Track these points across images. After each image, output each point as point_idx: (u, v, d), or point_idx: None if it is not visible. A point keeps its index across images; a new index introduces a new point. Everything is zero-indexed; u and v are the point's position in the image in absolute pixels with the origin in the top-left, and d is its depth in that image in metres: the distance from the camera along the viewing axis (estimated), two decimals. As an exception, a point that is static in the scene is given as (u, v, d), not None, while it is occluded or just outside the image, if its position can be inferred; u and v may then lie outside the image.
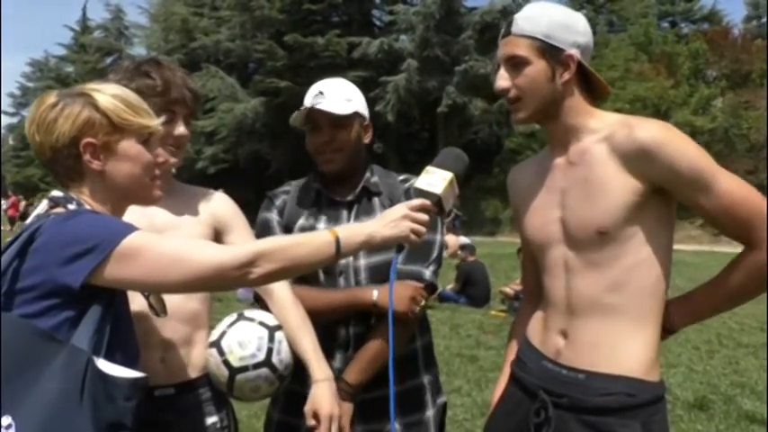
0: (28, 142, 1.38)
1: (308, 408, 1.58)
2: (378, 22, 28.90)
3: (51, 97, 1.29)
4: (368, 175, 1.81)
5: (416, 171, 1.48)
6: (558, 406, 1.45)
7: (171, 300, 1.55)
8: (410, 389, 1.77)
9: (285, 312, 1.62)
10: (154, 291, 1.40)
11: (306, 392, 1.60)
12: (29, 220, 1.26)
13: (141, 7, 35.60)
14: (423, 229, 1.35)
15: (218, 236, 1.67)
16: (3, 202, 25.25)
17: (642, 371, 1.40)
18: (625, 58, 24.32)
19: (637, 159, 1.35)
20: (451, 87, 24.06)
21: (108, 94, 1.29)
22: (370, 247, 1.37)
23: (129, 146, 1.30)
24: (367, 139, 1.82)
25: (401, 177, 1.84)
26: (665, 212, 1.42)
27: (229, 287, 1.30)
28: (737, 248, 1.40)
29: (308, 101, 1.73)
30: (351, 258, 1.73)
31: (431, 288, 1.73)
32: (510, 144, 24.64)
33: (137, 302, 1.38)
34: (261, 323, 1.58)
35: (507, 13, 24.51)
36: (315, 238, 1.31)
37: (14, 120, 48.34)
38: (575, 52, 1.42)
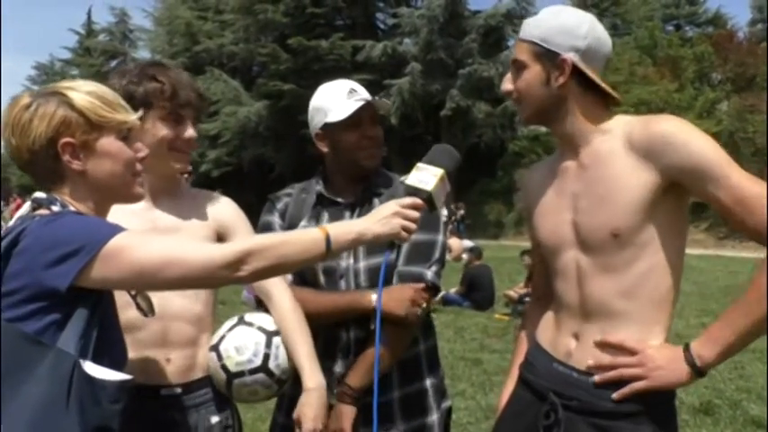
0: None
1: (296, 415, 1.59)
2: (382, 26, 28.95)
3: (24, 98, 1.26)
4: (376, 175, 1.81)
5: (411, 171, 1.47)
6: (567, 408, 1.44)
7: (178, 302, 1.56)
8: (413, 392, 1.76)
9: (283, 317, 1.63)
10: (142, 290, 1.38)
11: None
12: (11, 223, 1.24)
13: (146, 11, 35.81)
14: (413, 225, 1.34)
15: (221, 240, 1.66)
16: (5, 204, 25.30)
17: None
18: (629, 61, 24.24)
19: (653, 151, 1.35)
20: (455, 90, 24.06)
21: (83, 92, 1.27)
22: (361, 244, 1.37)
23: (108, 143, 1.28)
24: None
25: (401, 179, 1.83)
26: (678, 217, 1.41)
27: (219, 285, 1.30)
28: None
29: (343, 98, 1.72)
30: (351, 261, 1.73)
31: (433, 289, 1.72)
32: (514, 147, 24.62)
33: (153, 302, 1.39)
34: (260, 328, 1.58)
35: (511, 17, 24.59)
36: (305, 236, 1.30)
37: (20, 123, 48.34)
38: (570, 56, 1.42)
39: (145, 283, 1.20)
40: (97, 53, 40.37)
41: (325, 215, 1.78)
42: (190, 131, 1.61)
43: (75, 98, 1.25)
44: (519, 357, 1.74)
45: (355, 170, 1.78)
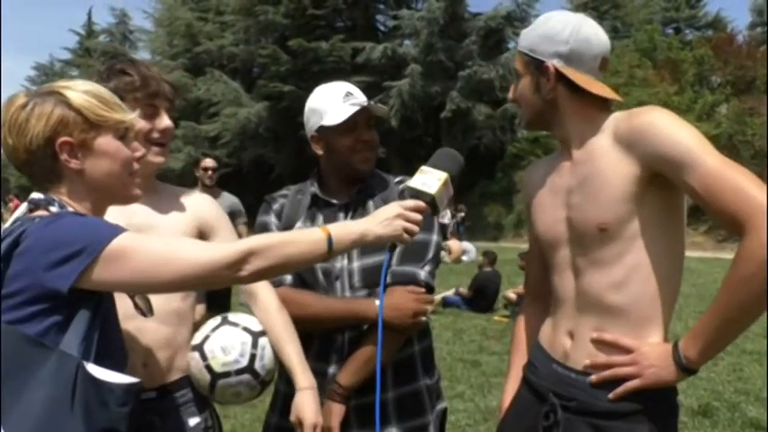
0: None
1: (293, 416, 1.59)
2: (382, 28, 28.95)
3: (21, 98, 1.25)
4: (371, 177, 1.82)
5: (415, 173, 1.48)
6: (566, 409, 1.45)
7: (154, 302, 1.52)
8: (408, 393, 1.76)
9: (270, 318, 1.62)
10: (144, 292, 1.37)
11: None
12: (8, 224, 1.23)
13: (146, 12, 35.80)
14: (416, 228, 1.35)
15: (202, 238, 1.65)
16: (4, 204, 25.26)
17: None
18: (629, 64, 24.25)
19: (634, 141, 1.36)
20: (455, 92, 24.06)
21: (80, 91, 1.26)
22: (363, 245, 1.36)
23: (106, 142, 1.27)
24: None
25: (396, 179, 1.84)
26: (669, 212, 1.41)
27: (221, 285, 1.29)
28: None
29: (339, 101, 1.73)
30: (345, 261, 1.73)
31: (427, 289, 1.72)
32: (513, 149, 24.62)
33: (118, 306, 1.35)
34: (245, 328, 1.57)
35: (511, 19, 24.61)
36: (307, 236, 1.29)
37: (19, 123, 48.27)
38: (553, 63, 1.45)
39: (146, 283, 1.19)
40: (97, 54, 40.31)
41: (320, 216, 1.78)
42: (165, 122, 1.58)
43: (73, 97, 1.25)
44: (515, 358, 1.75)
45: (349, 173, 1.79)
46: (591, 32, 1.47)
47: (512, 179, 22.83)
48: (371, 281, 1.69)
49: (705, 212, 1.33)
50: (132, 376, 1.21)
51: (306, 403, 1.58)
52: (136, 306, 1.40)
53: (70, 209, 1.25)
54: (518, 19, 25.15)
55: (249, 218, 4.62)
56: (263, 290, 1.66)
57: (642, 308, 1.41)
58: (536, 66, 1.48)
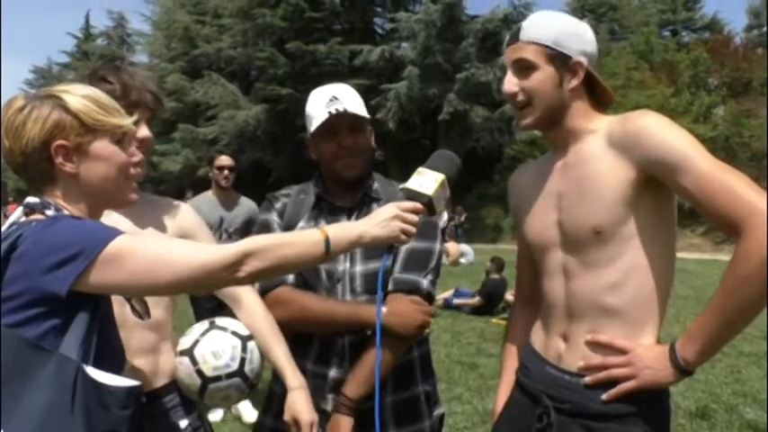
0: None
1: (287, 416, 1.60)
2: (379, 30, 28.96)
3: (19, 101, 1.26)
4: (369, 181, 1.81)
5: (412, 175, 1.48)
6: (560, 411, 1.45)
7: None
8: (406, 399, 1.76)
9: (256, 321, 1.63)
10: (142, 294, 1.37)
11: None
12: (4, 228, 1.23)
13: (144, 15, 35.84)
14: (413, 229, 1.34)
15: None
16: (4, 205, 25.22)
17: None
18: (626, 66, 24.32)
19: (628, 145, 1.36)
20: (453, 95, 24.07)
21: (78, 95, 1.26)
22: (360, 246, 1.36)
23: (102, 146, 1.27)
24: (374, 144, 1.83)
25: (401, 186, 1.83)
26: (662, 214, 1.42)
27: (218, 287, 1.29)
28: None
29: (322, 107, 1.71)
30: (347, 265, 1.72)
31: (428, 298, 1.72)
32: (511, 152, 24.65)
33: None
34: (234, 333, 1.58)
35: (509, 22, 24.60)
36: (304, 237, 1.29)
37: (17, 126, 48.20)
38: (582, 59, 1.45)
39: (144, 285, 1.19)
40: (95, 57, 40.32)
41: (323, 218, 1.78)
42: (143, 132, 1.58)
43: (70, 101, 1.25)
44: (508, 361, 1.75)
45: (337, 179, 1.78)
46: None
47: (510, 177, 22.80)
48: (373, 286, 1.68)
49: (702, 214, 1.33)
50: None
51: (300, 402, 1.59)
52: (133, 309, 1.40)
53: (66, 212, 1.25)
54: (515, 21, 24.93)
55: None
56: (247, 293, 1.67)
57: (637, 309, 1.42)
58: (561, 60, 1.45)
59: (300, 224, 1.77)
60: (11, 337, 1.12)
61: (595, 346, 1.43)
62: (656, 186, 1.37)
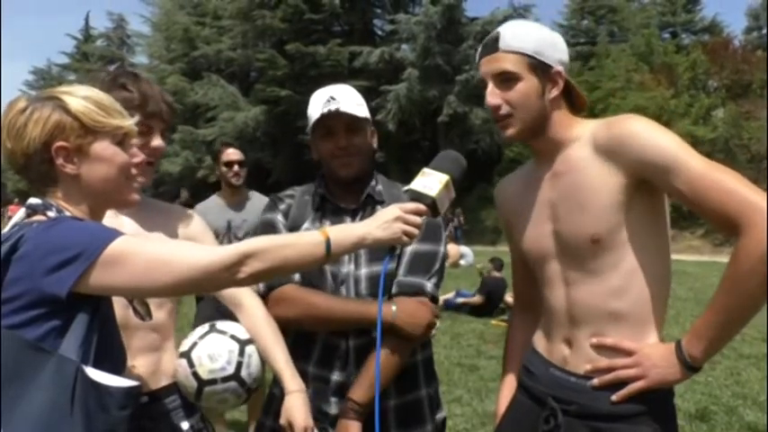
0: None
1: (283, 420, 1.59)
2: (379, 32, 29.02)
3: (21, 102, 1.26)
4: (373, 183, 1.80)
5: (416, 175, 1.48)
6: (567, 413, 1.45)
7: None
8: (409, 402, 1.75)
9: (257, 324, 1.63)
10: (142, 296, 1.37)
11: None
12: (6, 229, 1.23)
13: (144, 16, 35.84)
14: (415, 231, 1.33)
15: None
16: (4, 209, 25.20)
17: None
18: (626, 68, 24.37)
19: (615, 152, 1.36)
20: (452, 97, 24.13)
21: (79, 97, 1.26)
22: (362, 248, 1.35)
23: (102, 147, 1.27)
24: (375, 145, 1.82)
25: (405, 188, 1.82)
26: (656, 215, 1.42)
27: (218, 288, 1.28)
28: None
29: (319, 107, 1.71)
30: (352, 267, 1.72)
31: (432, 301, 1.71)
32: (510, 154, 24.68)
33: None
34: (232, 336, 1.58)
35: (508, 24, 24.63)
36: (305, 239, 1.28)
37: (16, 127, 48.19)
38: (561, 69, 1.46)
39: (144, 287, 1.19)
40: (95, 58, 40.42)
41: (327, 219, 1.77)
42: (157, 141, 1.60)
43: (71, 102, 1.25)
44: (509, 364, 1.75)
45: (335, 179, 1.77)
46: None
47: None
48: (378, 289, 1.68)
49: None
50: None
51: (295, 406, 1.58)
52: (134, 310, 1.40)
53: (67, 213, 1.25)
54: (515, 23, 25.20)
55: None
56: (248, 297, 1.67)
57: (641, 311, 1.42)
58: (542, 70, 1.44)
59: (305, 225, 1.76)
60: (11, 338, 1.12)
61: (601, 348, 1.43)
62: (647, 188, 1.37)
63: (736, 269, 1.25)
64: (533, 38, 1.44)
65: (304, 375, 1.66)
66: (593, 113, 20.94)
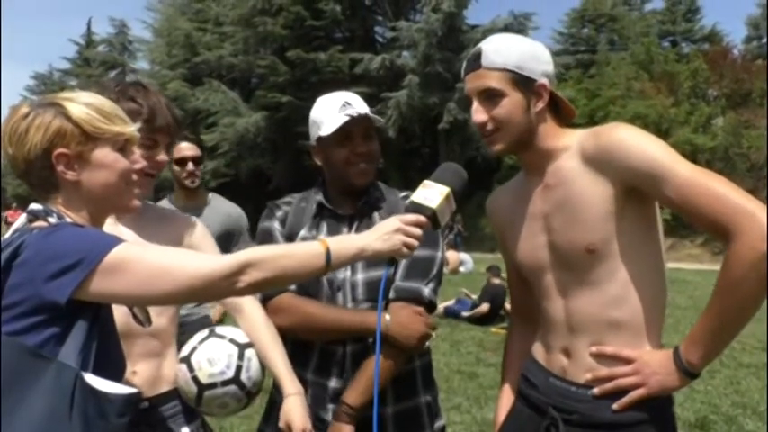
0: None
1: (281, 423, 1.59)
2: (380, 39, 29.07)
3: (23, 108, 1.26)
4: (371, 189, 1.80)
5: (417, 187, 1.48)
6: (568, 422, 1.45)
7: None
8: (408, 409, 1.75)
9: (256, 328, 1.63)
10: (141, 304, 1.37)
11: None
12: (7, 235, 1.23)
13: (145, 22, 35.79)
14: (415, 243, 1.34)
15: None
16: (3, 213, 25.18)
17: None
18: (626, 76, 24.42)
19: (603, 162, 1.37)
20: (453, 104, 24.13)
21: (81, 103, 1.27)
22: (362, 259, 1.36)
23: (103, 155, 1.27)
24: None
25: (402, 194, 1.82)
26: (649, 221, 1.43)
27: (218, 297, 1.29)
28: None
29: (335, 111, 1.69)
30: (348, 273, 1.72)
31: (430, 307, 1.72)
32: (510, 161, 24.66)
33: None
34: (231, 340, 1.59)
35: (509, 31, 24.67)
36: (305, 249, 1.29)
37: (17, 132, 48.22)
38: (545, 81, 1.45)
39: (144, 295, 1.18)
40: (96, 64, 40.47)
41: (324, 226, 1.77)
42: (161, 156, 1.61)
43: (72, 109, 1.25)
44: (508, 373, 1.75)
45: (346, 186, 1.76)
46: None
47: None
48: (375, 294, 1.67)
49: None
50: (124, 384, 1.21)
51: (294, 409, 1.59)
52: (134, 315, 1.40)
53: (68, 219, 1.25)
54: (515, 31, 25.01)
55: (250, 227, 4.26)
56: (249, 302, 1.67)
57: (640, 318, 1.42)
58: (525, 84, 1.44)
59: (302, 233, 1.76)
60: (11, 344, 1.12)
61: (601, 357, 1.43)
62: (638, 197, 1.38)
63: (728, 275, 1.26)
64: (515, 52, 1.44)
65: (303, 382, 1.67)
66: (593, 121, 21.05)
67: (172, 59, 31.03)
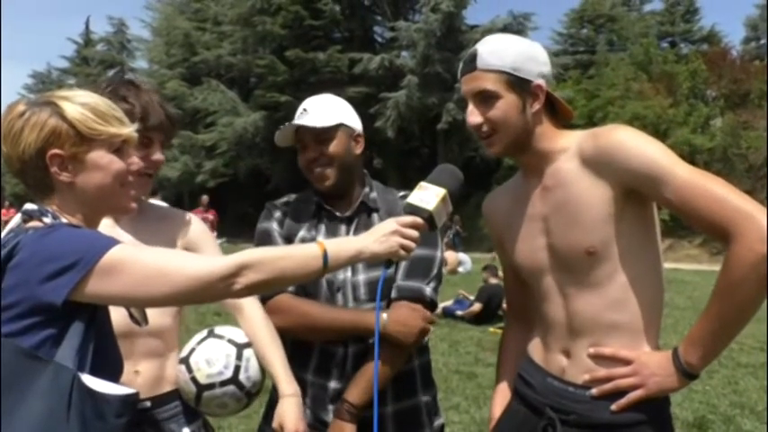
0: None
1: (275, 423, 1.59)
2: (379, 39, 29.08)
3: (20, 106, 1.24)
4: (366, 190, 1.80)
5: (414, 189, 1.48)
6: (565, 423, 1.45)
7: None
8: (407, 408, 1.75)
9: (255, 329, 1.63)
10: (138, 305, 1.35)
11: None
12: (2, 235, 1.22)
13: (144, 21, 35.86)
14: (412, 245, 1.34)
15: None
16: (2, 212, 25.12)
17: None
18: (625, 77, 24.44)
19: (602, 164, 1.37)
20: (452, 104, 24.13)
21: (77, 103, 1.24)
22: (359, 261, 1.36)
23: (98, 156, 1.25)
24: (358, 151, 1.79)
25: (401, 194, 1.82)
26: (648, 222, 1.43)
27: (214, 299, 1.27)
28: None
29: (295, 120, 1.74)
30: (349, 274, 1.72)
31: (431, 305, 1.72)
32: (509, 161, 24.67)
33: (112, 317, 1.33)
34: (230, 340, 1.58)
35: (508, 32, 24.59)
36: (302, 251, 1.28)
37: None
38: (542, 82, 1.45)
39: (140, 297, 1.18)
40: (95, 62, 40.47)
41: (323, 226, 1.78)
42: (157, 155, 1.59)
43: (68, 109, 1.23)
44: (504, 373, 1.75)
45: (316, 189, 1.79)
46: None
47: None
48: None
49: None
50: (126, 384, 1.20)
51: (288, 411, 1.58)
52: (131, 315, 1.40)
53: (63, 220, 1.24)
54: (514, 32, 25.25)
55: (247, 227, 4.22)
56: (249, 302, 1.66)
57: (639, 320, 1.42)
58: (521, 86, 1.44)
59: (301, 233, 1.76)
60: (8, 346, 1.11)
61: (599, 358, 1.43)
62: (636, 198, 1.38)
63: (727, 276, 1.26)
64: (511, 53, 1.44)
65: (303, 383, 1.67)
66: (591, 122, 21.02)
67: (170, 59, 31.03)
